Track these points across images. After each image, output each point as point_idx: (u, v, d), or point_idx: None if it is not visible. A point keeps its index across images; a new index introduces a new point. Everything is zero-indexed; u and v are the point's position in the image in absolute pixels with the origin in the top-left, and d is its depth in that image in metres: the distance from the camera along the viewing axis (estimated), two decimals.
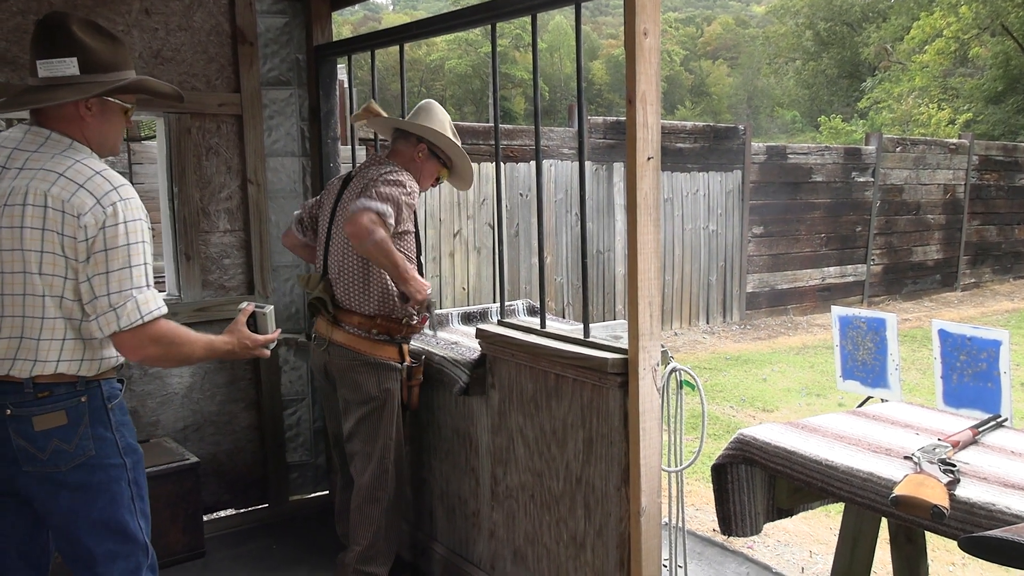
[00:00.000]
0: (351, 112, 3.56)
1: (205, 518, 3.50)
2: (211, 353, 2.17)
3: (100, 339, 1.99)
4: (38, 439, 1.95)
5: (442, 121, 2.94)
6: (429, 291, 2.84)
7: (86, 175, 1.94)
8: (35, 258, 1.91)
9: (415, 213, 2.88)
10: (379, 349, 2.87)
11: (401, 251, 2.74)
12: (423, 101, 2.98)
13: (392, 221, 2.68)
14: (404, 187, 2.75)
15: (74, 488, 1.99)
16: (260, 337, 2.28)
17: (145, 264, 1.98)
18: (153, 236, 2.05)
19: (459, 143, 2.97)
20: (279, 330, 2.39)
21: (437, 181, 3.04)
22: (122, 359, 2.09)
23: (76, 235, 1.90)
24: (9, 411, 1.93)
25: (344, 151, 3.88)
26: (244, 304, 2.33)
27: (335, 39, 3.71)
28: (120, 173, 2.05)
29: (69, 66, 1.97)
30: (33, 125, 2.02)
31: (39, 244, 1.90)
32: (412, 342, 3.04)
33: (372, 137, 3.28)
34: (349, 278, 2.86)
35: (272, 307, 2.36)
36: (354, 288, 2.86)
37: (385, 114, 2.96)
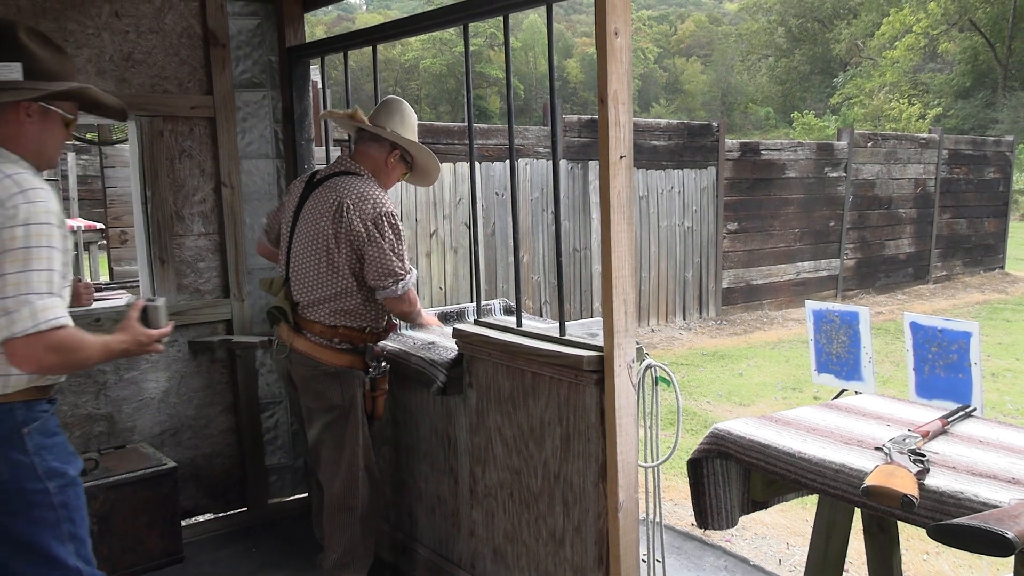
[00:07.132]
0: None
1: (184, 523, 3.48)
2: (108, 354, 2.04)
3: None
4: None
5: (412, 125, 2.92)
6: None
7: None
8: None
9: None
10: (341, 358, 2.84)
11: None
12: (390, 99, 2.94)
13: (406, 264, 2.80)
14: (391, 219, 2.77)
15: None
16: (154, 332, 2.15)
17: (50, 271, 1.84)
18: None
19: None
20: (172, 323, 2.27)
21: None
22: (51, 379, 1.97)
23: None
24: None
25: (318, 152, 3.87)
26: (134, 299, 2.23)
27: (308, 40, 3.70)
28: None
29: (13, 71, 1.93)
30: None
31: None
32: (389, 343, 3.04)
33: (347, 138, 3.26)
34: (312, 288, 2.81)
35: (164, 299, 2.25)
36: (317, 298, 2.81)
37: (367, 121, 2.89)
